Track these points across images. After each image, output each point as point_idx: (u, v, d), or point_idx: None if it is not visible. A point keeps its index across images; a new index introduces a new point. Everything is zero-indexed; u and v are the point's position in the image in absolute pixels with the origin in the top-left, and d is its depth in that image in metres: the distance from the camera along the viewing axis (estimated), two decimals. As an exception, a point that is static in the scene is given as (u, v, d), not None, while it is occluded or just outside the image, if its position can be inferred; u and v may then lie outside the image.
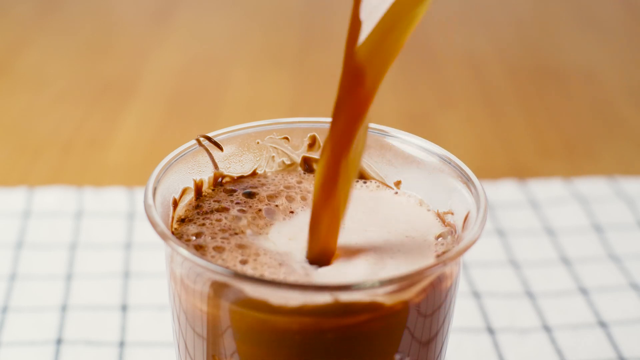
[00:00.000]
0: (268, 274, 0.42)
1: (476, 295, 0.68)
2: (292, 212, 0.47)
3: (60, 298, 0.67)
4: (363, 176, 0.50)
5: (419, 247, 0.45)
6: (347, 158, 0.42)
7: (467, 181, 0.46)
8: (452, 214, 0.46)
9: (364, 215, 0.47)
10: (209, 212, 0.46)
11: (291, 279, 0.41)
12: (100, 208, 0.77)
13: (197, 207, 0.47)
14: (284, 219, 0.46)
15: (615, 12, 1.24)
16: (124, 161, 0.86)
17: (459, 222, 0.45)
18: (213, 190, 0.48)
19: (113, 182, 0.82)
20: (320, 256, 0.43)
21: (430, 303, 0.42)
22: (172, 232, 0.45)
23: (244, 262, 0.43)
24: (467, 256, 0.68)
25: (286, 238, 0.45)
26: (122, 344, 0.62)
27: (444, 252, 0.44)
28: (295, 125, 0.51)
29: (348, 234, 0.45)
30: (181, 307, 0.43)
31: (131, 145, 0.89)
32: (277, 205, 0.47)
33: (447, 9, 1.25)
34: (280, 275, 0.42)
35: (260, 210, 0.47)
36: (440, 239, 0.45)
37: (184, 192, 0.47)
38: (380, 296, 0.40)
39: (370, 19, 0.40)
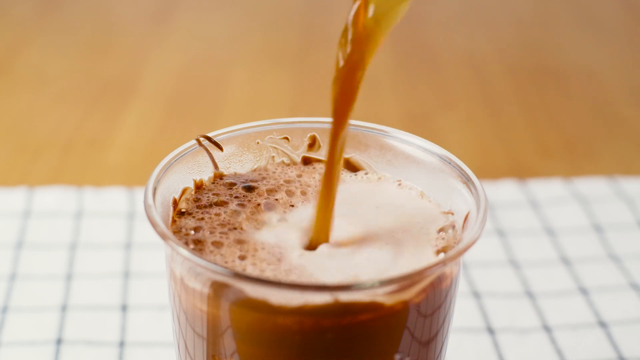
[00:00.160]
0: (267, 270, 0.42)
1: (476, 295, 0.68)
2: (292, 205, 0.47)
3: (60, 298, 0.67)
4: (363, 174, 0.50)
5: (419, 240, 0.45)
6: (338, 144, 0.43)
7: (467, 181, 0.46)
8: (452, 213, 0.46)
9: (365, 205, 0.47)
10: (208, 206, 0.46)
11: (291, 278, 0.41)
12: (100, 208, 0.77)
13: (196, 200, 0.47)
14: (284, 212, 0.46)
15: (615, 12, 1.24)
16: (124, 161, 0.86)
17: (459, 222, 0.45)
18: (213, 183, 0.48)
19: (113, 182, 0.82)
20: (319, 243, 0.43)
21: (430, 303, 0.42)
22: (171, 226, 0.45)
23: (242, 258, 0.43)
24: (467, 256, 0.68)
25: (286, 233, 0.45)
26: (122, 344, 0.62)
27: (444, 247, 0.44)
28: (295, 125, 0.51)
29: (349, 224, 0.45)
30: (181, 307, 0.43)
31: (131, 145, 0.89)
32: (276, 199, 0.47)
33: (447, 9, 1.25)
34: (279, 270, 0.42)
35: (259, 204, 0.47)
36: (441, 232, 0.45)
37: (184, 192, 0.47)
38: (380, 296, 0.40)
39: None
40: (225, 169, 0.49)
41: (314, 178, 0.49)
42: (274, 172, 0.50)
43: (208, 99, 1.00)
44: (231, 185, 0.48)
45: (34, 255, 0.71)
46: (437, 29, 1.19)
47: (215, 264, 0.41)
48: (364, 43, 0.43)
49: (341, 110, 0.43)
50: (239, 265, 0.42)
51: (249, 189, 0.48)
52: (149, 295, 0.67)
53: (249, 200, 0.47)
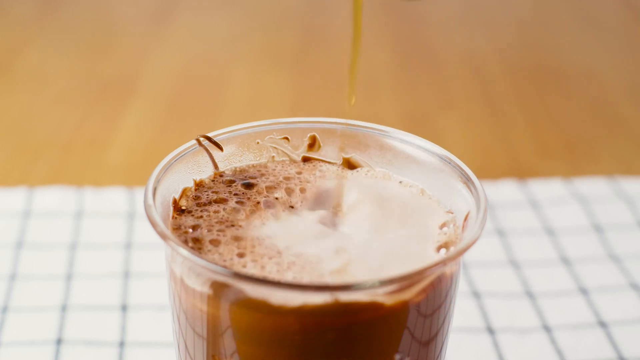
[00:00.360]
0: (270, 264, 0.42)
1: (476, 295, 0.68)
2: (291, 207, 0.47)
3: (60, 298, 0.67)
4: (363, 173, 0.50)
5: (421, 235, 0.45)
6: None
7: (467, 181, 0.46)
8: (452, 213, 0.46)
9: (365, 202, 0.47)
10: (207, 204, 0.46)
11: (294, 270, 0.41)
12: (100, 208, 0.77)
13: (196, 198, 0.47)
14: (283, 211, 0.46)
15: (615, 12, 1.24)
16: (124, 161, 0.86)
17: (459, 222, 0.45)
18: (213, 180, 0.48)
19: (113, 182, 0.82)
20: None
21: (430, 303, 0.42)
22: (171, 224, 0.45)
23: (241, 255, 0.43)
24: (467, 256, 0.68)
25: (285, 229, 0.45)
26: (122, 344, 0.62)
27: (445, 243, 0.44)
28: (295, 125, 0.51)
29: (351, 219, 0.45)
30: (181, 307, 0.43)
31: (131, 145, 0.89)
32: (276, 198, 0.47)
33: (447, 9, 1.25)
34: (282, 264, 0.42)
35: (258, 202, 0.47)
36: (444, 228, 0.45)
37: (184, 192, 0.47)
38: (380, 296, 0.40)
39: None
40: (226, 169, 0.49)
41: (313, 175, 0.49)
42: (274, 170, 0.50)
43: (208, 99, 1.00)
44: (230, 182, 0.48)
45: (34, 255, 0.71)
46: (437, 29, 1.19)
47: (215, 263, 0.41)
48: None
49: None
50: (238, 263, 0.42)
51: (248, 185, 0.48)
52: (149, 295, 0.67)
53: (249, 198, 0.47)
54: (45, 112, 0.96)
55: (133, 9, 1.24)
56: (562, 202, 0.79)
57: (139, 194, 0.79)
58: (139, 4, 1.25)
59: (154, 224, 0.42)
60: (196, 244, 0.43)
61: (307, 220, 0.45)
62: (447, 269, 0.42)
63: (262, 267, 0.42)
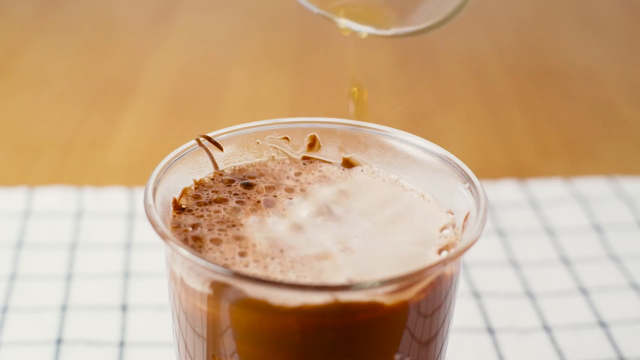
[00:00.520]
0: (272, 264, 0.42)
1: (476, 295, 0.68)
2: (290, 198, 0.47)
3: (60, 298, 0.67)
4: (363, 173, 0.50)
5: (422, 238, 0.45)
6: None
7: (467, 181, 0.46)
8: (452, 213, 0.46)
9: (365, 202, 0.47)
10: (208, 203, 0.46)
11: (296, 270, 0.41)
12: (100, 208, 0.77)
13: (196, 197, 0.47)
14: (283, 209, 0.46)
15: (615, 12, 1.24)
16: (124, 161, 0.86)
17: (459, 222, 0.45)
18: (212, 179, 0.48)
19: (113, 182, 0.82)
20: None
21: (430, 303, 0.42)
22: (171, 223, 0.45)
23: (242, 254, 0.43)
24: (467, 256, 0.68)
25: (286, 227, 0.45)
26: (122, 344, 0.62)
27: (446, 245, 0.44)
28: (295, 125, 0.51)
29: (351, 220, 0.45)
30: (181, 307, 0.43)
31: (131, 145, 0.89)
32: (275, 196, 0.47)
33: (447, 9, 1.24)
34: (285, 264, 0.42)
35: (259, 201, 0.47)
36: (445, 230, 0.45)
37: (184, 192, 0.47)
38: (380, 296, 0.40)
39: None
40: (225, 168, 0.49)
41: (312, 174, 0.49)
42: (273, 170, 0.50)
43: (208, 99, 1.00)
44: (230, 182, 0.48)
45: (34, 255, 0.71)
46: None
47: (215, 263, 0.41)
48: None
49: None
50: (239, 262, 0.42)
51: (248, 185, 0.48)
52: (149, 295, 0.67)
53: (248, 198, 0.47)
54: (45, 112, 0.96)
55: (133, 9, 1.24)
56: (562, 202, 0.79)
57: (139, 194, 0.79)
58: (139, 4, 1.25)
59: (154, 224, 0.42)
60: (197, 243, 0.43)
61: (308, 220, 0.45)
62: (447, 269, 0.42)
63: (264, 267, 0.42)
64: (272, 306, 0.40)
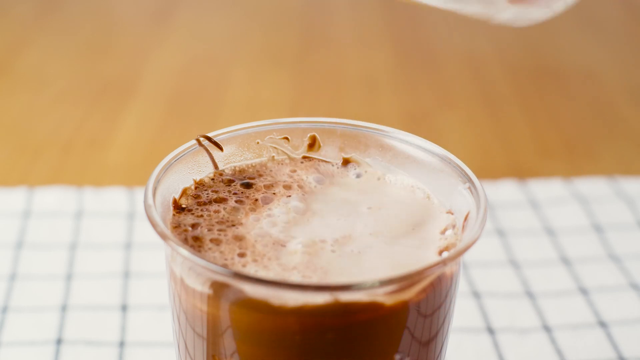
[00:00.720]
0: (272, 264, 0.42)
1: (476, 295, 0.68)
2: (289, 196, 0.47)
3: (60, 298, 0.67)
4: (363, 172, 0.50)
5: (421, 239, 0.45)
6: None
7: (467, 181, 0.46)
8: (452, 213, 0.46)
9: (366, 203, 0.47)
10: (207, 203, 0.46)
11: (295, 271, 0.41)
12: (100, 208, 0.77)
13: (196, 196, 0.47)
14: (281, 206, 0.46)
15: (615, 12, 1.24)
16: (124, 161, 0.86)
17: (459, 222, 0.45)
18: (212, 179, 0.48)
19: (113, 182, 0.82)
20: None
21: (430, 303, 0.42)
22: (170, 222, 0.45)
23: (242, 255, 0.43)
24: (467, 256, 0.68)
25: (285, 226, 0.45)
26: (122, 344, 0.62)
27: (446, 247, 0.44)
28: (295, 125, 0.51)
29: (350, 222, 0.45)
30: (181, 307, 0.43)
31: (131, 145, 0.89)
32: (274, 193, 0.47)
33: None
34: (285, 265, 0.42)
35: (257, 199, 0.47)
36: (445, 231, 0.45)
37: (184, 192, 0.47)
38: (380, 296, 0.40)
39: None
40: (225, 169, 0.49)
41: (312, 174, 0.49)
42: (271, 171, 0.50)
43: (208, 99, 1.00)
44: (230, 182, 0.48)
45: (34, 255, 0.71)
46: (437, 29, 1.19)
47: (215, 263, 0.41)
48: None
49: None
50: (239, 262, 0.42)
51: (247, 185, 0.48)
52: (149, 295, 0.67)
53: (247, 197, 0.47)
54: (45, 112, 0.96)
55: (133, 9, 1.24)
56: (562, 202, 0.79)
57: (139, 194, 0.79)
58: (139, 4, 1.25)
59: (154, 224, 0.42)
60: (196, 243, 0.43)
61: (307, 219, 0.45)
62: (447, 269, 0.42)
63: (264, 267, 0.42)
64: (272, 306, 0.40)
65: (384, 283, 0.39)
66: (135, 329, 0.64)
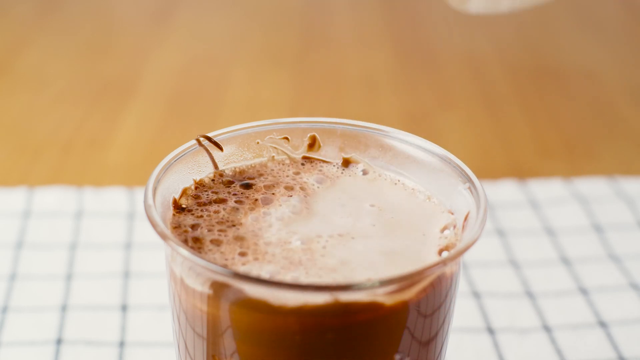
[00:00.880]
0: (273, 263, 0.42)
1: (476, 295, 0.68)
2: (290, 196, 0.47)
3: (60, 298, 0.67)
4: (363, 172, 0.50)
5: (422, 239, 0.45)
6: None
7: (467, 181, 0.46)
8: (452, 213, 0.46)
9: (366, 203, 0.47)
10: (207, 204, 0.46)
11: (297, 270, 0.41)
12: (100, 208, 0.77)
13: (196, 197, 0.47)
14: (281, 205, 0.46)
15: (615, 12, 1.24)
16: (124, 161, 0.86)
17: (459, 222, 0.45)
18: (212, 180, 0.48)
19: (113, 182, 0.82)
20: None
21: (430, 303, 0.42)
22: (170, 222, 0.45)
23: (243, 254, 0.43)
24: (467, 256, 0.68)
25: (285, 226, 0.45)
26: (122, 344, 0.62)
27: (446, 246, 0.44)
28: (295, 125, 0.51)
29: (350, 221, 0.45)
30: (181, 307, 0.43)
31: (131, 145, 0.89)
32: (273, 194, 0.47)
33: (447, 9, 1.24)
34: (286, 265, 0.42)
35: (257, 200, 0.47)
36: (446, 231, 0.45)
37: (184, 192, 0.47)
38: (380, 296, 0.40)
39: None
40: (225, 169, 0.49)
41: (312, 174, 0.49)
42: (272, 170, 0.50)
43: (208, 99, 1.00)
44: (229, 183, 0.48)
45: (34, 255, 0.71)
46: (437, 29, 1.19)
47: (215, 263, 0.41)
48: None
49: None
50: (239, 262, 0.42)
51: (247, 186, 0.48)
52: (149, 295, 0.67)
53: (247, 197, 0.47)
54: (45, 112, 0.96)
55: (133, 9, 1.24)
56: (562, 202, 0.79)
57: (139, 194, 0.79)
58: (139, 4, 1.25)
59: (154, 224, 0.42)
60: (196, 244, 0.43)
61: (307, 219, 0.45)
62: (447, 269, 0.42)
63: (265, 267, 0.42)
64: (272, 306, 0.40)
65: (384, 283, 0.39)
66: (135, 329, 0.64)
